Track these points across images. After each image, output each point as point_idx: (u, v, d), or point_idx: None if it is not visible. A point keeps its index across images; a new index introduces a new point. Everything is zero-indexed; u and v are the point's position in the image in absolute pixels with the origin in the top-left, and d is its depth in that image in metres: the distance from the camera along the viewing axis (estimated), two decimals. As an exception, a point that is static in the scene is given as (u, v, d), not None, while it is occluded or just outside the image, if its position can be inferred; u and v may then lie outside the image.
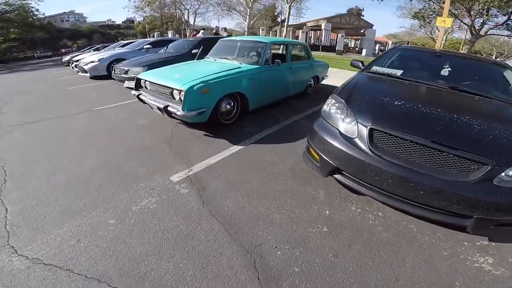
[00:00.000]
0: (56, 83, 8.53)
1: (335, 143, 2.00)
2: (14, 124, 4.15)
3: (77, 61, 10.80)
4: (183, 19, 31.90)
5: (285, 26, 19.09)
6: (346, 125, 2.06)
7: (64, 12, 57.28)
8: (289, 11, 18.43)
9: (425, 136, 1.77)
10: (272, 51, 4.86)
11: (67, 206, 2.12)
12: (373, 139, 1.91)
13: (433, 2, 14.18)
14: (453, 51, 3.95)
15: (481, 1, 10.67)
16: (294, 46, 5.17)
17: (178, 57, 6.47)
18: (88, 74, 8.48)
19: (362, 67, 3.48)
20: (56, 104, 5.36)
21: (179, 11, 31.11)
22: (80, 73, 9.13)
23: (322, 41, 25.45)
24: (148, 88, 3.79)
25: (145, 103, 3.81)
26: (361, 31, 31.27)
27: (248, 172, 2.68)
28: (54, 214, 2.03)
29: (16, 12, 30.14)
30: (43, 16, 35.67)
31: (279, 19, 40.67)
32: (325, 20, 25.12)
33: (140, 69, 5.77)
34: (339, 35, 22.39)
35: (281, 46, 5.29)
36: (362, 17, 35.96)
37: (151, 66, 5.87)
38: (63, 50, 35.57)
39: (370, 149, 1.86)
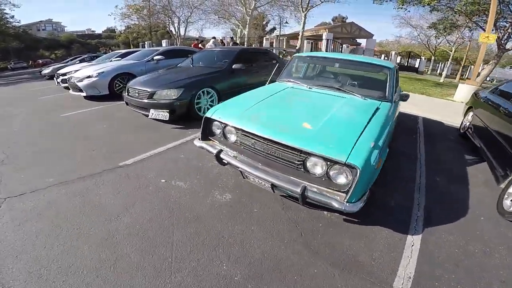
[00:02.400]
0: (41, 105, 6.55)
1: None
2: (-18, 202, 2.34)
3: (63, 74, 8.83)
4: (172, 28, 30.16)
5: (300, 37, 17.81)
6: None
7: (41, 21, 53.89)
8: (304, 20, 17.24)
9: None
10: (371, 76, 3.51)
11: None
12: None
13: (458, 14, 13.41)
14: None
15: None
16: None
17: (216, 73, 4.85)
18: (83, 93, 6.58)
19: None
20: (52, 148, 3.53)
21: (169, 19, 29.36)
22: (71, 91, 7.14)
23: (324, 51, 24.54)
24: (235, 141, 2.19)
25: (223, 163, 2.20)
26: (355, 40, 30.96)
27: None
28: None
29: (-12, 20, 27.29)
30: (18, 23, 32.62)
31: (267, 29, 40.07)
32: (326, 30, 24.30)
33: (173, 92, 4.08)
34: (344, 45, 21.52)
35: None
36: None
37: (188, 87, 4.21)
38: (40, 61, 32.73)
39: None
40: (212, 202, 2.36)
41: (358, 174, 1.62)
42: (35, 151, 3.42)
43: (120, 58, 8.81)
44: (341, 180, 1.79)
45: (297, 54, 3.87)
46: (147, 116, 4.32)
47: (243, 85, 5.38)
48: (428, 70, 29.59)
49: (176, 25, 29.64)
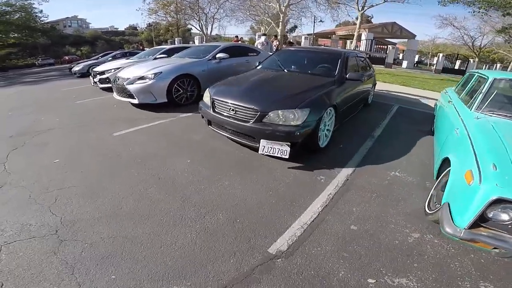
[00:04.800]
0: (81, 113, 5.33)
1: None
2: None
3: (101, 73, 7.60)
4: (198, 26, 29.13)
5: (355, 37, 16.13)
6: None
7: (67, 17, 54.55)
8: (361, 19, 15.56)
9: None
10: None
11: None
12: None
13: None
14: None
15: None
16: None
17: (331, 85, 3.37)
18: (134, 100, 5.18)
19: None
20: (127, 206, 2.17)
21: (197, 15, 28.29)
22: (116, 95, 5.78)
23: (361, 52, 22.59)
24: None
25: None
26: (389, 40, 28.68)
27: None
28: None
29: (17, 15, 26.98)
30: (46, 18, 32.42)
31: (287, 27, 38.24)
32: (366, 30, 22.36)
33: (294, 114, 2.64)
34: (390, 46, 19.57)
35: None
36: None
37: (314, 107, 2.77)
38: (67, 58, 32.58)
39: None
40: None
41: None
42: (102, 213, 2.06)
43: (165, 55, 7.49)
44: None
45: (499, 76, 2.40)
46: (248, 145, 2.94)
47: (351, 100, 3.91)
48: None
49: (203, 22, 28.63)
